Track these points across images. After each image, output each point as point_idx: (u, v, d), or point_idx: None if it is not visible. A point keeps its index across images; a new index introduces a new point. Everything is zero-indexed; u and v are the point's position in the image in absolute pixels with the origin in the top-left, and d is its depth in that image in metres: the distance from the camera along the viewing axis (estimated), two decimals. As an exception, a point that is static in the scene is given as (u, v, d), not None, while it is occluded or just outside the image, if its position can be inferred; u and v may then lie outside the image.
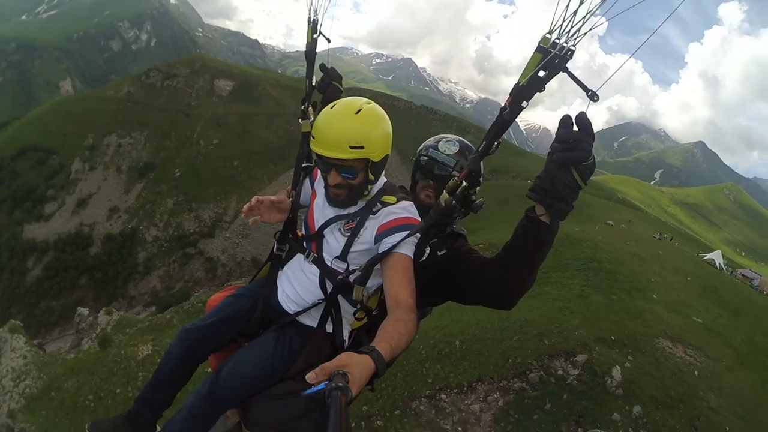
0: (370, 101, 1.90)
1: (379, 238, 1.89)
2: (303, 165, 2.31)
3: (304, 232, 2.17)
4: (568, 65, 1.43)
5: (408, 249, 1.85)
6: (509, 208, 32.18)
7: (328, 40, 2.39)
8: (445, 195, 1.86)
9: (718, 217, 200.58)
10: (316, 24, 2.36)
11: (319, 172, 2.04)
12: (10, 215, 68.86)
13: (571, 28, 1.38)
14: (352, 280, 1.92)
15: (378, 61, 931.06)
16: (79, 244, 65.52)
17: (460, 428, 9.79)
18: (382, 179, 2.06)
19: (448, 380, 10.91)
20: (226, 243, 66.30)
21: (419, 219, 1.94)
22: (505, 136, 1.76)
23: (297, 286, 2.08)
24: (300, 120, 2.32)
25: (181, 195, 72.07)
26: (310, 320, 2.05)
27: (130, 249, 65.76)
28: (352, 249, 1.95)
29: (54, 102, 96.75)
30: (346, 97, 2.06)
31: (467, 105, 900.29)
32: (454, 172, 2.23)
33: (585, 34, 1.38)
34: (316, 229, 2.04)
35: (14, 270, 62.84)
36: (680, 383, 11.05)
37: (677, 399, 10.43)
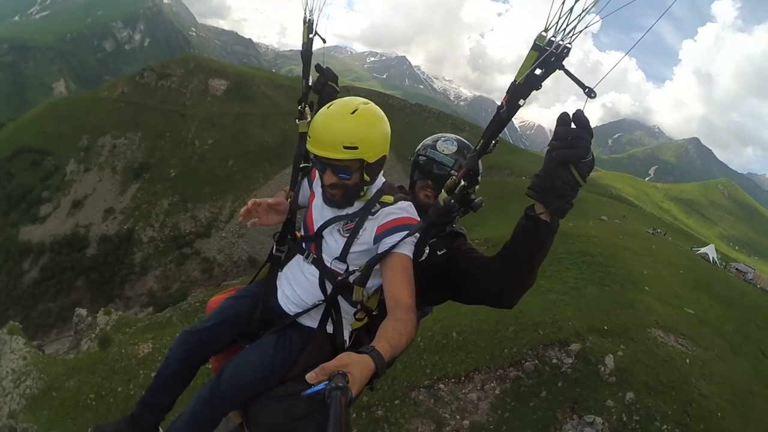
0: (368, 101, 1.90)
1: (378, 239, 1.89)
2: (301, 165, 2.31)
3: (303, 233, 2.16)
4: (563, 63, 1.45)
5: (407, 249, 1.85)
6: (504, 205, 32.40)
7: (324, 41, 2.38)
8: (443, 194, 1.87)
9: (713, 213, 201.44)
10: (312, 24, 2.35)
11: (317, 172, 2.02)
12: (5, 217, 68.47)
13: (567, 26, 1.39)
14: (351, 281, 1.92)
15: (372, 59, 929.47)
16: (75, 245, 65.09)
17: (458, 416, 10.04)
18: (381, 179, 2.05)
19: (446, 370, 11.16)
20: (222, 243, 66.15)
21: (418, 219, 1.94)
22: (500, 134, 1.77)
23: (296, 287, 2.08)
24: (297, 120, 2.32)
25: (177, 195, 71.79)
26: (311, 321, 2.04)
27: (127, 250, 65.45)
28: (352, 250, 1.94)
29: (48, 103, 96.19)
30: (341, 96, 2.08)
31: (462, 103, 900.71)
32: (453, 172, 2.19)
33: (581, 32, 1.39)
34: (315, 230, 2.04)
35: (10, 272, 62.48)
36: (672, 371, 11.31)
37: (669, 386, 10.68)
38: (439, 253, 2.10)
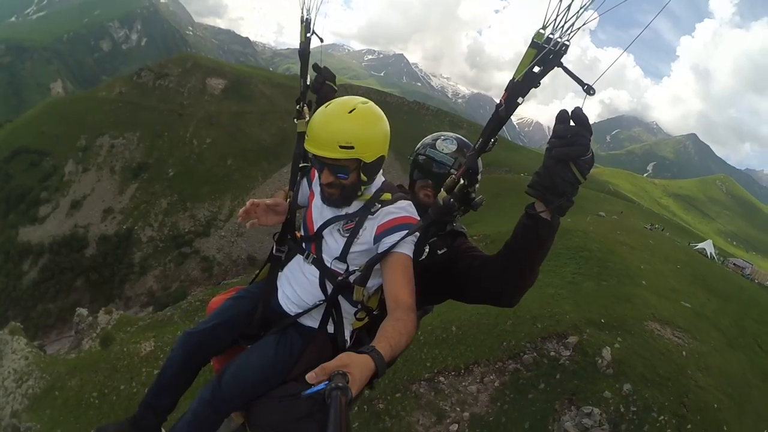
0: (367, 101, 1.90)
1: (378, 238, 1.89)
2: (300, 165, 2.31)
3: (302, 233, 2.16)
4: (562, 60, 1.44)
5: (407, 248, 1.85)
6: (502, 202, 32.67)
7: (321, 40, 2.37)
8: (443, 193, 1.87)
9: (711, 209, 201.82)
10: (310, 23, 2.34)
11: (316, 172, 2.01)
12: (4, 219, 68.29)
13: (565, 23, 1.39)
14: (352, 281, 1.92)
15: (370, 57, 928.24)
16: (75, 245, 64.89)
17: (458, 408, 10.21)
18: (380, 178, 2.06)
19: (446, 363, 11.32)
20: (221, 242, 66.10)
21: (418, 218, 1.94)
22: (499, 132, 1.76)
23: (297, 287, 2.08)
24: (295, 120, 2.31)
25: (176, 195, 71.66)
26: (311, 321, 2.05)
27: (126, 250, 65.33)
28: (352, 250, 1.95)
29: (46, 104, 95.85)
30: (340, 95, 2.09)
31: (459, 100, 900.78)
32: (452, 171, 2.19)
33: (579, 29, 1.38)
34: (315, 230, 2.04)
35: (10, 273, 62.34)
36: (669, 363, 11.43)
37: (666, 377, 10.81)
38: (439, 252, 2.10)
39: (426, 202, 2.22)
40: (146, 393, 2.17)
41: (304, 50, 2.35)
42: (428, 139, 2.41)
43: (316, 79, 2.38)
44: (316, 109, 1.99)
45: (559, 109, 1.43)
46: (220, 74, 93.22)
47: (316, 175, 2.04)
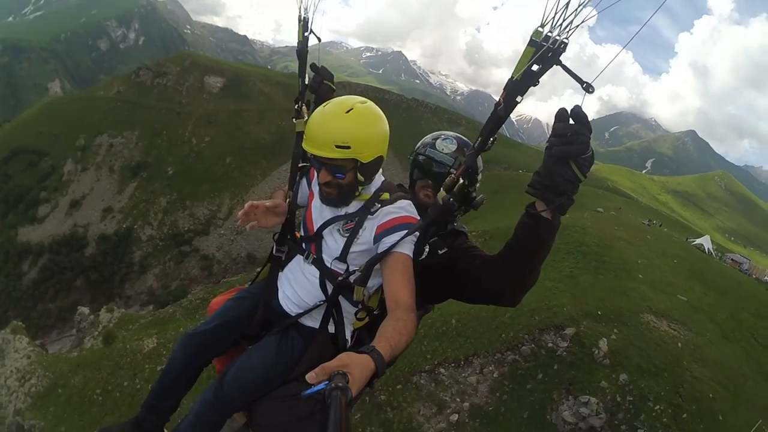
0: (366, 101, 1.89)
1: (378, 238, 1.88)
2: (299, 165, 2.30)
3: (302, 234, 2.16)
4: (560, 58, 1.43)
5: (407, 248, 1.84)
6: (501, 198, 32.80)
7: (319, 39, 2.35)
8: (442, 193, 1.85)
9: (710, 205, 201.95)
10: (307, 22, 2.32)
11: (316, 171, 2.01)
12: (3, 219, 68.22)
13: (563, 20, 1.38)
14: (352, 281, 1.92)
15: (368, 54, 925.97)
16: (74, 245, 64.85)
17: (458, 399, 10.39)
18: (380, 178, 2.05)
19: (446, 355, 11.50)
20: (221, 240, 66.06)
21: (418, 217, 1.93)
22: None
23: (297, 287, 2.08)
24: (294, 119, 2.30)
25: (175, 193, 71.59)
26: (312, 321, 2.04)
27: (126, 249, 65.30)
28: (352, 250, 1.94)
29: (44, 103, 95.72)
30: (338, 94, 2.08)
31: (458, 97, 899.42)
32: (452, 170, 2.15)
33: (577, 26, 1.37)
34: (315, 230, 2.04)
35: (10, 273, 62.36)
36: (664, 354, 11.61)
37: (661, 368, 10.98)
38: (440, 252, 2.09)
39: (426, 202, 2.19)
40: (148, 394, 2.18)
41: (301, 49, 2.34)
42: (428, 138, 2.39)
43: (314, 79, 2.36)
44: (315, 108, 1.98)
45: (558, 107, 1.42)
46: (218, 72, 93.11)
47: (316, 174, 2.03)
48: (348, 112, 1.81)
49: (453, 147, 2.25)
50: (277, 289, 2.18)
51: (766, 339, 17.02)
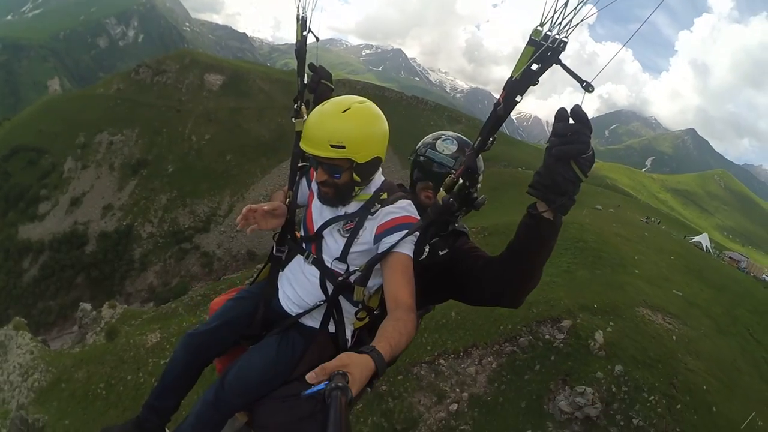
0: (365, 101, 1.90)
1: (378, 239, 1.88)
2: (299, 164, 2.30)
3: (303, 234, 2.16)
4: (560, 57, 1.43)
5: (407, 248, 1.84)
6: (500, 196, 32.93)
7: (317, 39, 2.33)
8: (442, 193, 1.84)
9: (710, 203, 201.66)
10: (305, 21, 2.31)
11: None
12: (3, 217, 68.39)
13: (563, 19, 1.37)
14: (352, 281, 1.92)
15: (367, 52, 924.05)
16: (75, 242, 64.98)
17: (458, 389, 10.62)
18: (380, 178, 2.05)
19: (446, 347, 11.72)
20: (221, 237, 66.12)
21: (418, 217, 1.92)
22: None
23: (297, 287, 2.08)
24: (293, 119, 2.28)
25: (175, 191, 71.66)
26: (312, 321, 2.04)
27: (126, 246, 65.40)
28: (352, 250, 1.94)
29: (43, 101, 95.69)
30: (338, 92, 2.10)
31: (458, 95, 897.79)
32: (453, 171, 2.08)
33: (577, 25, 1.36)
34: (315, 230, 2.04)
35: (10, 271, 62.51)
36: (659, 346, 11.81)
37: (656, 360, 11.19)
38: (441, 252, 2.08)
39: (427, 203, 2.17)
40: (149, 395, 2.19)
41: (300, 49, 2.33)
42: (429, 138, 2.37)
43: (312, 78, 2.35)
44: (313, 108, 1.99)
45: (558, 105, 1.57)
46: (217, 70, 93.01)
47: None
48: (345, 111, 1.82)
49: (453, 148, 2.25)
50: (278, 289, 2.19)
51: (762, 334, 17.24)
